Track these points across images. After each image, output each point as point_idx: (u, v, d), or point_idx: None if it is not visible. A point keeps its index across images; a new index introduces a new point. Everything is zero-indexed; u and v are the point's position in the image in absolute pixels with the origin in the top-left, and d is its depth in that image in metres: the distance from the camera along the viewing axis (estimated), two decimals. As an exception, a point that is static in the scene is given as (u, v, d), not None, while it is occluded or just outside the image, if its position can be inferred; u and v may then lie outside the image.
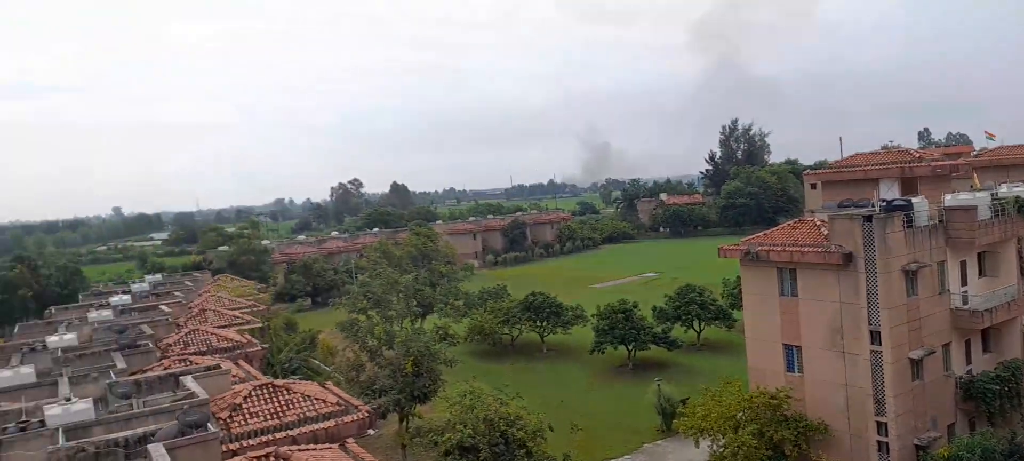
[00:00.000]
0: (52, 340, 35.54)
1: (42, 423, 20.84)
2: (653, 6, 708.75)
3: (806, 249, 33.91)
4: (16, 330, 46.71)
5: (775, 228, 39.89)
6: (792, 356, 35.43)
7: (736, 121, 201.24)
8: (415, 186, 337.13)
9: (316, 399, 24.21)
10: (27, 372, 27.91)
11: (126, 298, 53.08)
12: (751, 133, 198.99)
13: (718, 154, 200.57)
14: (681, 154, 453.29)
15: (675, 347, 56.17)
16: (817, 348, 34.01)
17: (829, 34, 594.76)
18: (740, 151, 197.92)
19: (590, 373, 55.57)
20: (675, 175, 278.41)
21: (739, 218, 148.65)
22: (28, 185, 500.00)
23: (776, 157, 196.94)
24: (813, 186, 51.78)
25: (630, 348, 55.28)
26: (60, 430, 20.03)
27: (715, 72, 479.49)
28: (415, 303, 65.85)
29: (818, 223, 35.61)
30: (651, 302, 62.28)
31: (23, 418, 21.94)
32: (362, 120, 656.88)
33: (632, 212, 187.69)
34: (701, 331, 60.35)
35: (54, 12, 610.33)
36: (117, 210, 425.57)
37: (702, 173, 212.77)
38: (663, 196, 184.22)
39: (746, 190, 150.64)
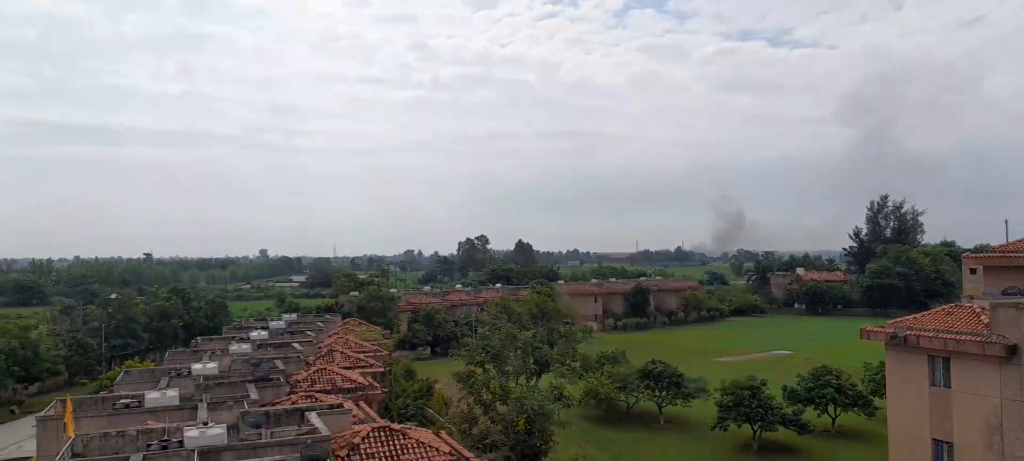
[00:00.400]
0: (196, 367, 38.48)
1: (181, 443, 22.46)
2: (796, 78, 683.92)
3: (963, 337, 30.77)
4: (166, 355, 51.15)
5: (926, 312, 36.70)
6: (941, 453, 31.95)
7: (886, 197, 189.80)
8: (539, 245, 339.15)
9: (430, 447, 24.43)
10: (172, 395, 30.29)
11: (264, 334, 56.72)
12: (902, 211, 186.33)
13: (864, 231, 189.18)
14: (820, 229, 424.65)
15: (806, 431, 52.16)
16: (972, 448, 30.44)
17: (993, 109, 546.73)
18: (889, 229, 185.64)
19: (710, 450, 52.60)
20: (813, 250, 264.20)
21: (884, 299, 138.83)
22: (192, 225, 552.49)
23: (930, 238, 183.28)
24: (973, 270, 47.06)
25: (756, 428, 51.92)
26: (196, 452, 21.47)
27: (863, 146, 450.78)
28: (532, 360, 65.55)
29: (978, 310, 32.31)
30: (781, 381, 58.45)
31: (165, 437, 23.80)
32: (493, 178, 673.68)
33: (764, 286, 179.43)
34: (836, 416, 55.81)
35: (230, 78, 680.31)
36: (264, 252, 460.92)
37: (845, 250, 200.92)
38: (800, 271, 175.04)
39: (895, 270, 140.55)
